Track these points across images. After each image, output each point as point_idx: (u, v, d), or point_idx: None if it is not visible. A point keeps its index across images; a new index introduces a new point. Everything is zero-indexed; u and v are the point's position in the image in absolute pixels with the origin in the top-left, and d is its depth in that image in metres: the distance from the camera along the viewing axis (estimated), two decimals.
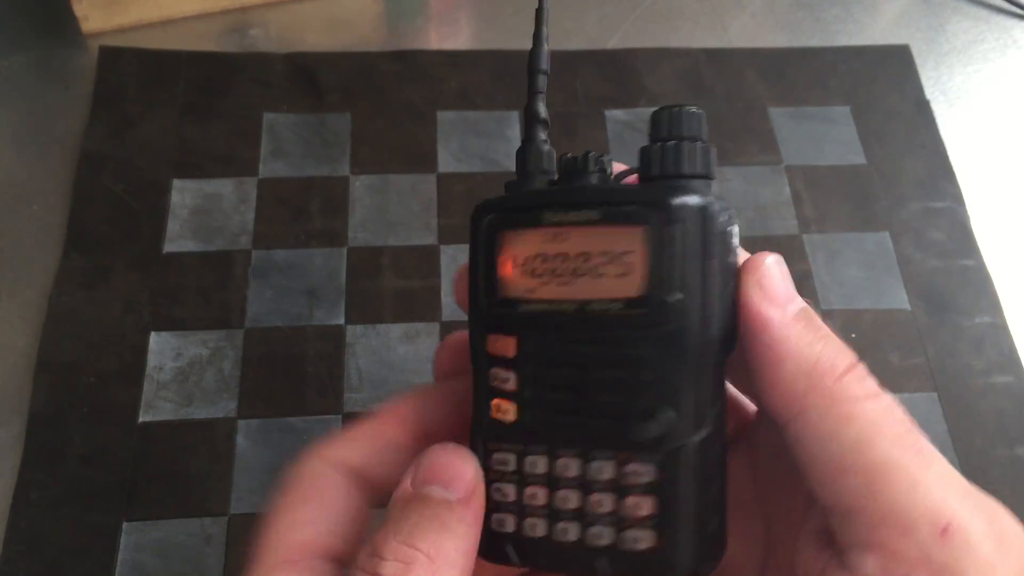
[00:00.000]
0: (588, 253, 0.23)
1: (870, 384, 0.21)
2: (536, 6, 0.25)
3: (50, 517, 0.38)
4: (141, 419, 0.41)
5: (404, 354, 0.43)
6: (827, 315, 0.45)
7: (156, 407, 0.41)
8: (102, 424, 0.40)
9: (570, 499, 0.23)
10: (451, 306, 0.44)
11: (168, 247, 0.45)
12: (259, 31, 0.54)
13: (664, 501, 0.22)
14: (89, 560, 0.37)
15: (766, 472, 0.26)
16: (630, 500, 0.22)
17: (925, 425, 0.42)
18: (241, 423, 0.41)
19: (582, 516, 0.23)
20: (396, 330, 0.44)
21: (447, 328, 0.44)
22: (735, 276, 0.23)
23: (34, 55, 0.52)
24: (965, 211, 0.49)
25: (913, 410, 0.46)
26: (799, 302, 0.23)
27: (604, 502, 0.22)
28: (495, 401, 0.24)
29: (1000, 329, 0.46)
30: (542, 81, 0.25)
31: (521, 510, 0.23)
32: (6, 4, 0.53)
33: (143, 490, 0.39)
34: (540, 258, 0.23)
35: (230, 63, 0.52)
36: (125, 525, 0.38)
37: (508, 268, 0.24)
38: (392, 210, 0.47)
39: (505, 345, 0.24)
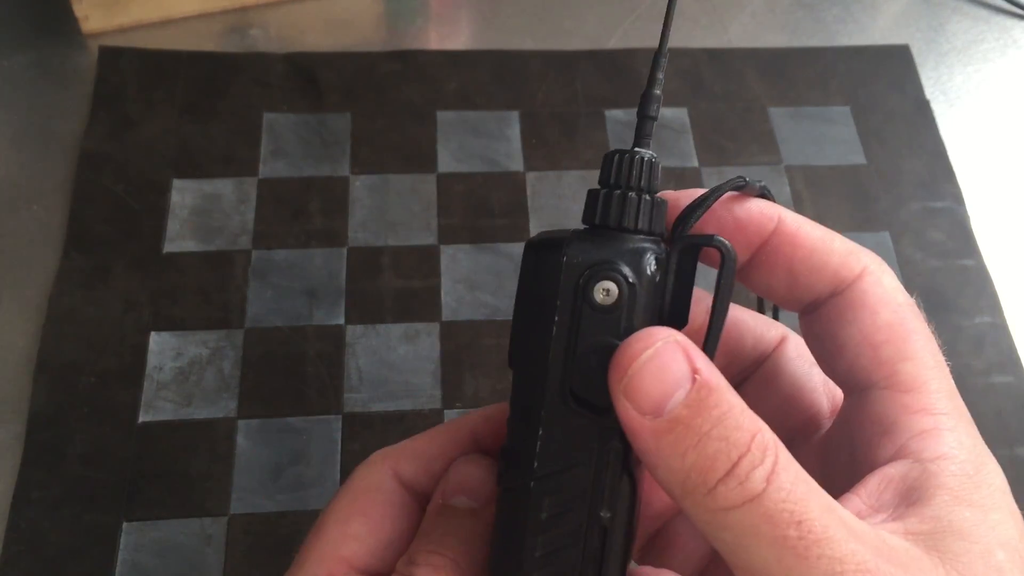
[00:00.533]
0: None
1: (751, 484, 0.19)
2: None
3: (50, 517, 0.38)
4: (141, 419, 0.41)
5: (404, 354, 0.43)
6: None
7: (156, 407, 0.41)
8: (102, 424, 0.40)
9: None
10: (451, 306, 0.44)
11: (168, 247, 0.45)
12: (259, 31, 0.54)
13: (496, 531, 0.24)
14: (89, 560, 0.37)
15: None
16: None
17: None
18: (241, 423, 0.41)
19: None
20: (396, 330, 0.44)
21: (447, 328, 0.44)
22: (602, 332, 0.22)
23: (34, 55, 0.52)
24: (965, 211, 0.49)
25: None
26: (681, 393, 0.20)
27: None
28: None
29: (1000, 329, 0.46)
30: (649, 127, 0.24)
31: None
32: (6, 4, 0.53)
33: (143, 490, 0.39)
34: None
35: (230, 63, 0.52)
36: (125, 525, 0.38)
37: None
38: (392, 210, 0.47)
39: None
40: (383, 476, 0.26)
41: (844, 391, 0.25)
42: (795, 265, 0.24)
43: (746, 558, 0.19)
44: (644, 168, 0.22)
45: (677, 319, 0.22)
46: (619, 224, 0.22)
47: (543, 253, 0.22)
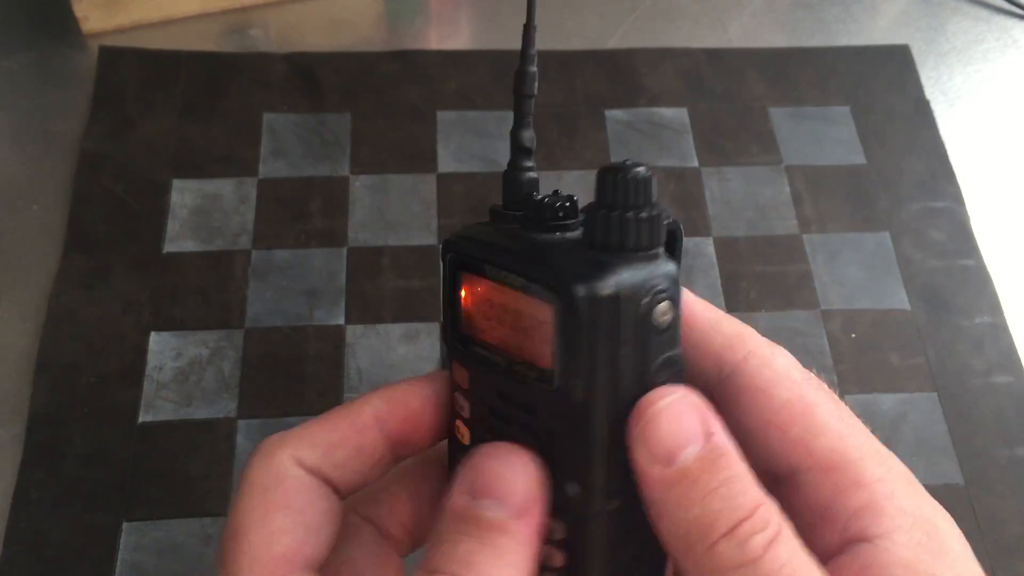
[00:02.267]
0: (519, 312, 0.23)
1: (750, 547, 0.20)
2: (523, 24, 0.24)
3: (50, 517, 0.38)
4: (141, 419, 0.41)
5: (404, 354, 0.43)
6: (827, 315, 0.45)
7: (156, 407, 0.41)
8: (102, 424, 0.40)
9: None
10: None
11: (168, 247, 0.45)
12: (259, 31, 0.54)
13: (571, 558, 0.23)
14: (89, 560, 0.37)
15: None
16: (546, 549, 0.23)
17: (925, 426, 0.42)
18: (241, 423, 0.41)
19: None
20: (396, 330, 0.44)
21: None
22: (666, 349, 0.22)
23: (34, 55, 0.52)
24: (965, 211, 0.49)
25: (913, 410, 0.45)
26: (693, 448, 0.21)
27: None
28: (457, 423, 0.25)
29: (1000, 329, 0.46)
30: (528, 105, 0.25)
31: None
32: (6, 4, 0.53)
33: (143, 490, 0.39)
34: (488, 303, 0.24)
35: (230, 63, 0.52)
36: (125, 525, 0.38)
37: (465, 305, 0.25)
38: (392, 210, 0.47)
39: (462, 375, 0.25)
40: (287, 465, 0.24)
41: (774, 480, 0.24)
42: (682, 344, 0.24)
43: None
44: (642, 185, 0.22)
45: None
46: (645, 244, 0.22)
47: (587, 301, 0.22)
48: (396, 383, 0.25)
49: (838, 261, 0.47)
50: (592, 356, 0.21)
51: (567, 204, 0.24)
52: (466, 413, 0.25)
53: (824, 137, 0.52)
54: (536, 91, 0.24)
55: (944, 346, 0.45)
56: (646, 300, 0.21)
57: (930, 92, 0.54)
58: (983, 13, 0.59)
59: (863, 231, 0.48)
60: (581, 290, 0.21)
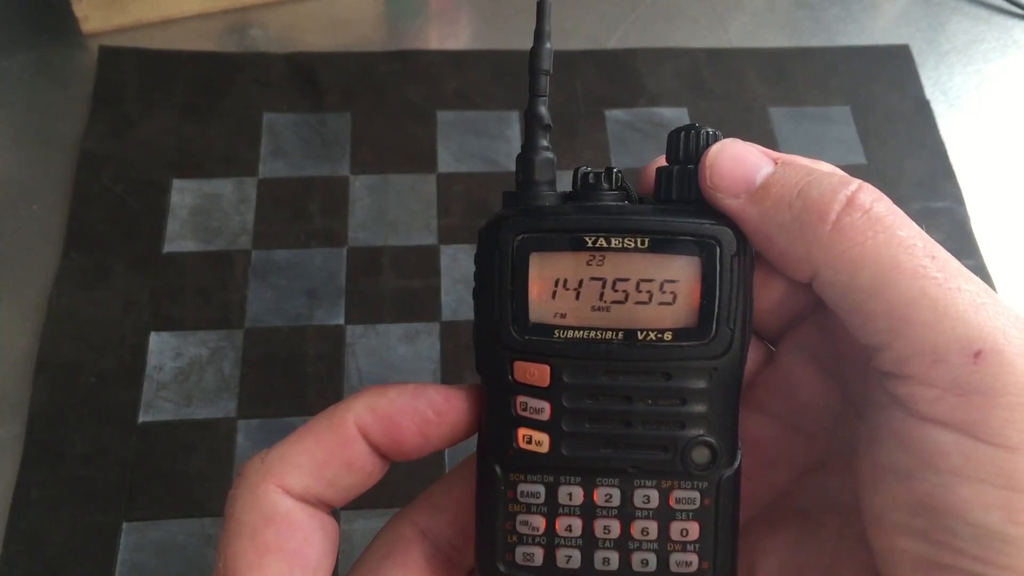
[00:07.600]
0: (626, 280, 0.22)
1: (875, 214, 0.19)
2: (537, 1, 0.23)
3: (50, 517, 0.38)
4: (141, 419, 0.41)
5: (404, 354, 0.43)
6: None
7: (156, 407, 0.41)
8: (102, 424, 0.40)
9: (612, 528, 0.23)
10: (451, 306, 0.44)
11: (168, 247, 0.45)
12: (259, 31, 0.54)
13: (707, 527, 0.23)
14: (89, 560, 0.37)
15: (830, 339, 0.24)
16: (676, 526, 0.23)
17: None
18: (241, 423, 0.41)
19: (623, 544, 0.23)
20: (396, 330, 0.44)
21: (447, 328, 0.44)
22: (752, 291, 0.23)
23: (34, 55, 0.52)
24: (965, 211, 0.49)
25: None
26: (766, 169, 0.21)
27: (650, 529, 0.23)
28: (524, 431, 0.23)
29: None
30: (544, 83, 0.23)
31: (551, 542, 0.23)
32: (6, 4, 0.53)
33: (143, 490, 0.39)
34: (572, 283, 0.22)
35: (230, 63, 0.52)
36: (125, 525, 0.38)
37: (538, 292, 0.23)
38: (392, 210, 0.47)
39: (537, 374, 0.23)
40: (275, 498, 0.22)
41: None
42: None
43: (889, 295, 0.19)
44: (713, 141, 0.23)
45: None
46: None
47: (739, 243, 0.22)
48: (380, 389, 0.23)
49: None
50: (739, 299, 0.22)
51: (615, 173, 0.23)
52: (544, 416, 0.23)
53: (824, 137, 0.51)
54: (552, 69, 0.23)
55: None
56: (750, 245, 0.22)
57: (930, 92, 0.54)
58: (983, 13, 0.59)
59: None
60: (732, 233, 0.22)
